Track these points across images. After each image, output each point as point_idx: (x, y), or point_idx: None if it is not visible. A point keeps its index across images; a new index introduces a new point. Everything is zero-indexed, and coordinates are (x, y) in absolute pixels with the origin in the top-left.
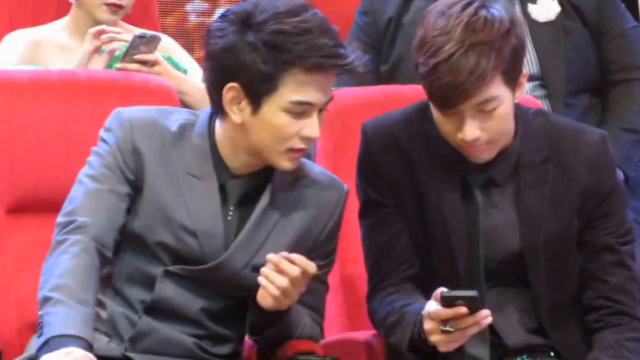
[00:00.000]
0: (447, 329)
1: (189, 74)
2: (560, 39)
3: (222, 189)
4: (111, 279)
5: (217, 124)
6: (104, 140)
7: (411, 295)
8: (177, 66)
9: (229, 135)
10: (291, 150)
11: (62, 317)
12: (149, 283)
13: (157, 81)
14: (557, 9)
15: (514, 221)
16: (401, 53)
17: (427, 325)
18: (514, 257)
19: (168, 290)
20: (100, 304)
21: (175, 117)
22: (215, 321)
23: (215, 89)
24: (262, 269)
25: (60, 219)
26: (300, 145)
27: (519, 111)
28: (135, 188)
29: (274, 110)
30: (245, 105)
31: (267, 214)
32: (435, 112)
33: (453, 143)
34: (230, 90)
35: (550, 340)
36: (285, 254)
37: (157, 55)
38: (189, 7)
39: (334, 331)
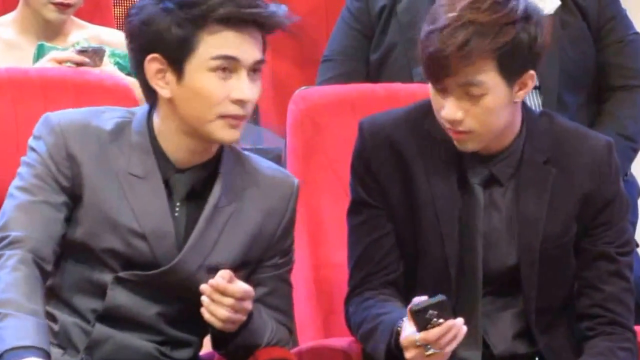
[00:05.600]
0: (430, 352)
1: None
2: (557, 33)
3: (167, 184)
4: (57, 290)
5: (155, 115)
6: (33, 149)
7: (388, 302)
8: None
9: (164, 118)
10: (225, 116)
11: (13, 330)
12: (99, 291)
13: (113, 79)
14: (558, 3)
15: (512, 221)
16: (393, 41)
17: (410, 354)
18: (509, 258)
19: (120, 297)
20: (49, 316)
21: (109, 116)
22: (172, 326)
23: (138, 66)
24: (202, 299)
25: None
26: (232, 110)
27: (525, 111)
28: (73, 196)
29: (197, 72)
30: (170, 76)
31: (217, 212)
32: (430, 87)
33: (441, 124)
34: (152, 62)
35: (537, 347)
36: (216, 284)
37: (102, 67)
38: None
39: (308, 338)
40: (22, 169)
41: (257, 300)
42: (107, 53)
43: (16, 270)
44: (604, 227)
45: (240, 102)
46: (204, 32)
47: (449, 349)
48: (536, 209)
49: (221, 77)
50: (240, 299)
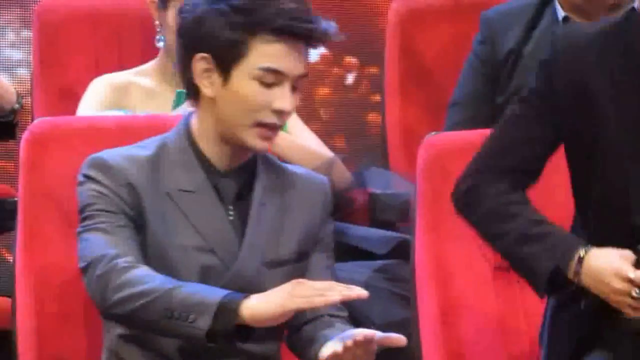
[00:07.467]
0: (638, 295)
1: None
2: None
3: (216, 190)
4: (139, 337)
5: (193, 120)
6: (89, 190)
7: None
8: None
9: (203, 119)
10: (261, 124)
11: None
12: None
13: None
14: None
15: None
16: (519, 84)
17: (617, 284)
18: None
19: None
20: None
21: (144, 145)
22: (253, 342)
23: (185, 63)
24: None
25: (83, 266)
26: (271, 119)
27: None
28: (136, 226)
29: (243, 78)
30: (215, 78)
31: (263, 209)
32: None
33: None
34: (201, 61)
35: None
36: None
37: None
38: None
39: None
40: (85, 214)
41: None
42: None
43: (137, 267)
44: None
45: (279, 113)
46: (256, 40)
47: None
48: None
49: (265, 86)
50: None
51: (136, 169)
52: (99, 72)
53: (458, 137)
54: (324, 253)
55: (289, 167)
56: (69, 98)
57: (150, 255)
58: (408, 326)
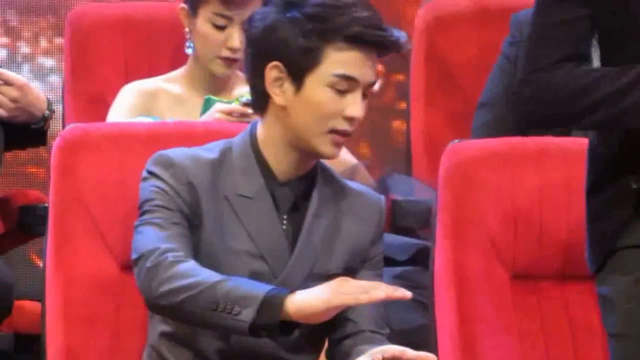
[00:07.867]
0: None
1: None
2: None
3: (273, 198)
4: (178, 335)
5: (259, 128)
6: (151, 186)
7: None
8: None
9: (270, 126)
10: (333, 131)
11: (245, 286)
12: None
13: None
14: None
15: None
16: None
17: None
18: None
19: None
20: None
21: (210, 147)
22: (291, 352)
23: (256, 71)
24: None
25: (135, 257)
26: (342, 126)
27: None
28: (191, 225)
29: (316, 85)
30: (287, 85)
31: (317, 221)
32: None
33: None
34: (273, 69)
35: None
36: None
37: None
38: None
39: None
40: (144, 208)
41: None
42: None
43: (185, 261)
44: None
45: (351, 120)
46: (330, 47)
47: None
48: None
49: (338, 93)
50: None
51: (198, 170)
52: (129, 79)
53: (480, 145)
54: (372, 271)
55: (347, 182)
56: (100, 104)
57: (202, 255)
58: (426, 333)
